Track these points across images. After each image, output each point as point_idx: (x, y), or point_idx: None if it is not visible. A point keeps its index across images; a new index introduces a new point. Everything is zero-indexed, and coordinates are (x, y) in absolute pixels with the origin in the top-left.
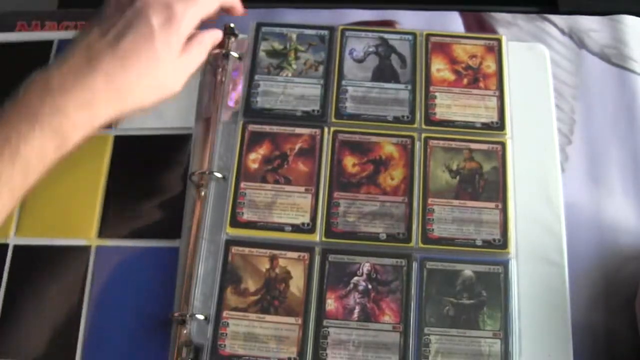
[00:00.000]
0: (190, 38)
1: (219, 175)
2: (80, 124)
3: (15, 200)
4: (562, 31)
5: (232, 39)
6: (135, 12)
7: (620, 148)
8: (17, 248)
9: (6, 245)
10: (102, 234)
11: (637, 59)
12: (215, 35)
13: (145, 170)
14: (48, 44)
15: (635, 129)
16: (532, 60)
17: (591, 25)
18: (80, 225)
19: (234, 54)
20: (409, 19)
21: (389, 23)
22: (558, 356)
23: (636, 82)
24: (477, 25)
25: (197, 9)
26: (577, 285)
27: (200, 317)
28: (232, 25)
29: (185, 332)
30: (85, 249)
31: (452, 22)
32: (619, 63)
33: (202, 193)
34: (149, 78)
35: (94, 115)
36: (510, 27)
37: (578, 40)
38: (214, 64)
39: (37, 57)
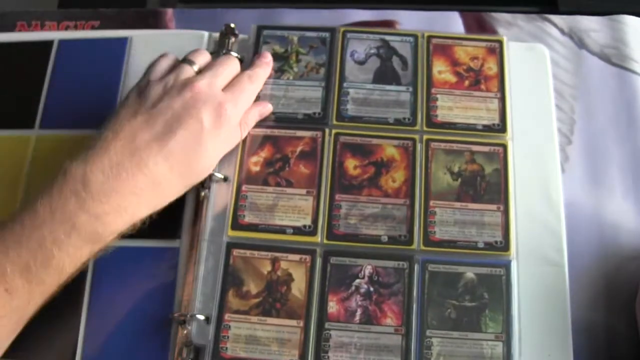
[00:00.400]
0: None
1: (219, 176)
2: (118, 228)
3: (47, 299)
4: (562, 31)
5: (233, 39)
6: (185, 106)
7: (620, 148)
8: None
9: None
10: None
11: (637, 59)
12: (260, 113)
13: None
14: (48, 44)
15: (635, 129)
16: (532, 60)
17: (591, 25)
18: None
19: (235, 55)
20: (409, 19)
21: (389, 23)
22: (558, 356)
23: (636, 82)
24: (477, 26)
25: (244, 105)
26: (577, 285)
27: (201, 317)
28: (232, 25)
29: (185, 332)
30: None
31: (452, 22)
32: (619, 63)
33: (203, 193)
34: (191, 176)
35: (133, 216)
36: (510, 27)
37: (578, 40)
38: None
39: (37, 57)
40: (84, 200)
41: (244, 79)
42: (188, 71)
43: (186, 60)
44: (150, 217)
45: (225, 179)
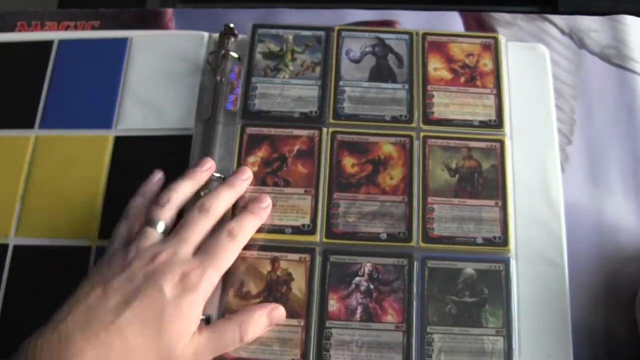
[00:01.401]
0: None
1: (218, 176)
2: None
3: None
4: (562, 31)
5: (232, 39)
6: (146, 277)
7: (620, 148)
8: (17, 248)
9: (6, 245)
10: (102, 234)
11: (637, 59)
12: (270, 322)
13: (145, 170)
14: (48, 44)
15: (635, 129)
16: (532, 60)
17: (591, 25)
18: (80, 225)
19: (233, 55)
20: (408, 19)
21: (389, 23)
22: (558, 356)
23: (636, 82)
24: (477, 25)
25: (219, 270)
26: (577, 286)
27: (202, 317)
28: (231, 25)
29: None
30: (85, 249)
31: (452, 22)
32: (619, 63)
33: (202, 194)
34: (153, 354)
35: None
36: (510, 27)
37: (578, 40)
38: (214, 64)
39: (37, 57)
40: None
41: (223, 235)
42: (151, 237)
43: (151, 221)
44: None
45: (224, 179)
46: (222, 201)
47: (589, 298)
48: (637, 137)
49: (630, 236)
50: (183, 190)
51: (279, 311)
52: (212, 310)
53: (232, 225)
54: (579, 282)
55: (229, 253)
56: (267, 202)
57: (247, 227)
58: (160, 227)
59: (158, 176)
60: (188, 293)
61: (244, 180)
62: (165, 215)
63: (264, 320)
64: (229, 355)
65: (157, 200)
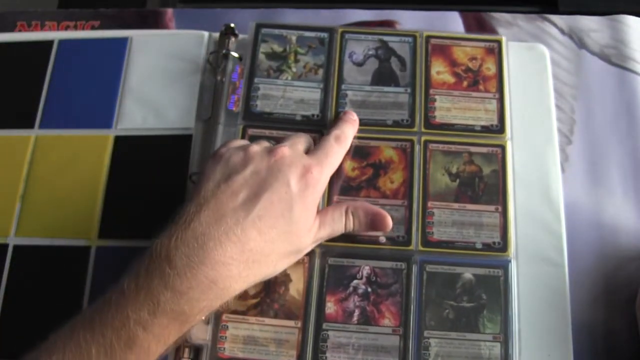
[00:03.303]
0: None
1: None
2: (207, 306)
3: None
4: (562, 31)
5: (232, 39)
6: (271, 170)
7: (620, 148)
8: (17, 248)
9: (6, 245)
10: (102, 234)
11: (637, 59)
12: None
13: (145, 170)
14: (48, 44)
15: (635, 129)
16: (532, 60)
17: (591, 25)
18: (80, 225)
19: (235, 55)
20: (409, 19)
21: (389, 23)
22: (558, 356)
23: (636, 82)
24: (477, 25)
25: (330, 168)
26: (577, 286)
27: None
28: (232, 25)
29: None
30: (85, 249)
31: (452, 22)
32: (619, 63)
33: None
34: (285, 244)
35: (223, 292)
36: (510, 27)
37: (578, 40)
38: (214, 64)
39: (37, 57)
40: (169, 276)
41: (331, 140)
42: (265, 142)
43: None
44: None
45: None
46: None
47: (589, 297)
48: (637, 137)
49: (630, 236)
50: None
51: (386, 220)
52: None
53: (337, 132)
54: (579, 281)
55: (337, 155)
56: (355, 115)
57: (349, 134)
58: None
59: None
60: (311, 188)
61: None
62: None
63: (366, 219)
64: (224, 355)
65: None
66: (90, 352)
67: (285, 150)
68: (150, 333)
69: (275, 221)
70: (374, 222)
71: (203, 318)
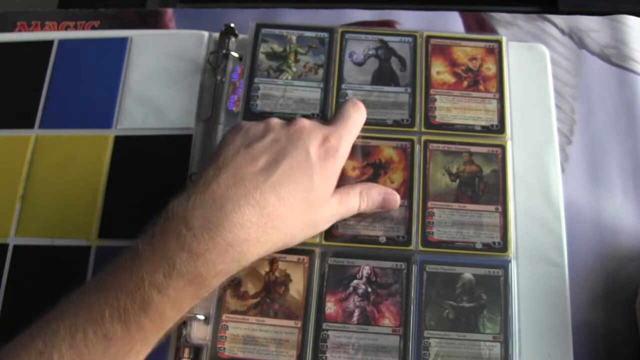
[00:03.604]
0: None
1: None
2: (224, 269)
3: (149, 347)
4: (562, 31)
5: (232, 39)
6: (290, 139)
7: (620, 148)
8: (17, 248)
9: (6, 245)
10: (102, 234)
11: (637, 59)
12: (385, 199)
13: (145, 170)
14: (48, 44)
15: (635, 129)
16: (532, 60)
17: (591, 25)
18: (80, 225)
19: (235, 54)
20: (409, 19)
21: (389, 23)
22: (558, 356)
23: (636, 82)
24: (477, 25)
25: (351, 138)
26: (577, 286)
27: (200, 317)
28: (232, 25)
29: (184, 332)
30: (85, 249)
31: (452, 22)
32: (619, 63)
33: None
34: (303, 212)
35: (240, 256)
36: (510, 27)
37: (578, 40)
38: (214, 64)
39: (37, 57)
40: (185, 237)
41: (349, 106)
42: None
43: None
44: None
45: None
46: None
47: (589, 297)
48: (637, 137)
49: (630, 236)
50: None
51: (395, 198)
52: (210, 309)
53: (354, 100)
54: (579, 281)
55: (357, 122)
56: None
57: (362, 106)
58: None
59: None
60: (330, 157)
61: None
62: None
63: (379, 197)
64: (224, 355)
65: None
66: (103, 315)
67: (304, 120)
68: (166, 296)
69: (295, 187)
70: (386, 201)
71: (219, 284)
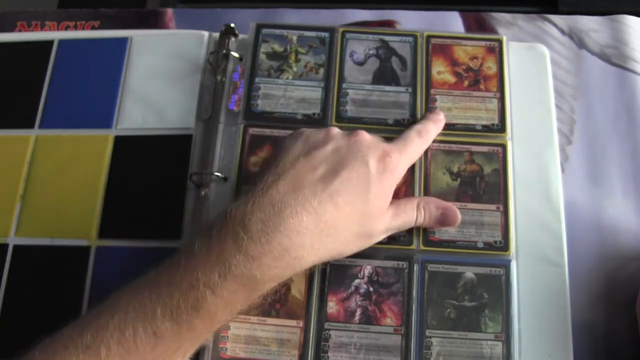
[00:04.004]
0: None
1: (220, 175)
2: (278, 274)
3: (195, 347)
4: (562, 31)
5: (233, 39)
6: (350, 149)
7: (620, 148)
8: (17, 248)
9: (6, 245)
10: (102, 234)
11: (637, 59)
12: (444, 214)
13: (145, 170)
14: (48, 44)
15: (635, 129)
16: (532, 60)
17: (591, 25)
18: (80, 225)
19: (235, 54)
20: (409, 19)
21: (389, 23)
22: (558, 356)
23: (636, 82)
24: (477, 25)
25: (410, 157)
26: (577, 286)
27: None
28: (232, 25)
29: None
30: (85, 249)
31: (452, 22)
32: (619, 63)
33: (203, 193)
34: (358, 223)
35: (295, 262)
36: (510, 27)
37: (578, 40)
38: (215, 64)
39: (37, 57)
40: (242, 240)
41: (412, 133)
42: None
43: None
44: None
45: (226, 179)
46: (434, 126)
47: (589, 298)
48: (637, 137)
49: (630, 236)
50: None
51: (455, 214)
52: None
53: (420, 127)
54: (579, 282)
55: (417, 147)
56: (441, 114)
57: (431, 131)
58: None
59: None
60: (388, 173)
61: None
62: None
63: (437, 212)
64: (225, 355)
65: None
66: (155, 312)
67: (365, 133)
68: (219, 297)
69: (352, 198)
70: (445, 216)
71: (272, 287)
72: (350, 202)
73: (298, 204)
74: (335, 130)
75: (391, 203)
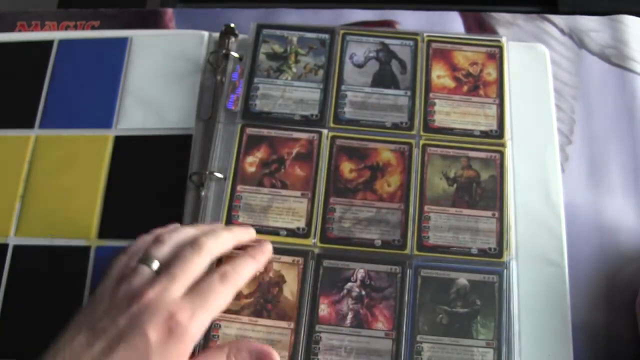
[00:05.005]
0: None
1: (219, 175)
2: None
3: None
4: (562, 31)
5: (233, 39)
6: (129, 321)
7: (620, 148)
8: (17, 248)
9: (6, 245)
10: (102, 234)
11: (637, 59)
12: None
13: (145, 170)
14: (48, 44)
15: (635, 129)
16: (532, 60)
17: (591, 25)
18: (80, 225)
19: (235, 54)
20: (409, 19)
21: (389, 23)
22: (558, 357)
23: (636, 82)
24: (477, 25)
25: (209, 314)
26: (578, 286)
27: None
28: (232, 25)
29: None
30: (85, 249)
31: (452, 22)
32: (619, 63)
33: (202, 193)
34: None
35: None
36: (510, 27)
37: (578, 40)
38: (214, 64)
39: (37, 57)
40: None
41: (215, 279)
42: (143, 275)
43: (146, 257)
44: None
45: (225, 179)
46: (219, 241)
47: (589, 298)
48: (637, 137)
49: (630, 236)
50: (186, 231)
51: (273, 356)
52: None
53: (226, 269)
54: (579, 282)
55: (220, 296)
56: (268, 248)
57: (243, 272)
58: (155, 265)
59: (174, 224)
60: (175, 339)
61: (247, 232)
62: (161, 253)
63: (250, 359)
64: None
65: (157, 237)
66: None
67: (150, 295)
68: None
69: None
70: None
71: None
72: None
73: None
74: (120, 295)
75: (196, 357)
